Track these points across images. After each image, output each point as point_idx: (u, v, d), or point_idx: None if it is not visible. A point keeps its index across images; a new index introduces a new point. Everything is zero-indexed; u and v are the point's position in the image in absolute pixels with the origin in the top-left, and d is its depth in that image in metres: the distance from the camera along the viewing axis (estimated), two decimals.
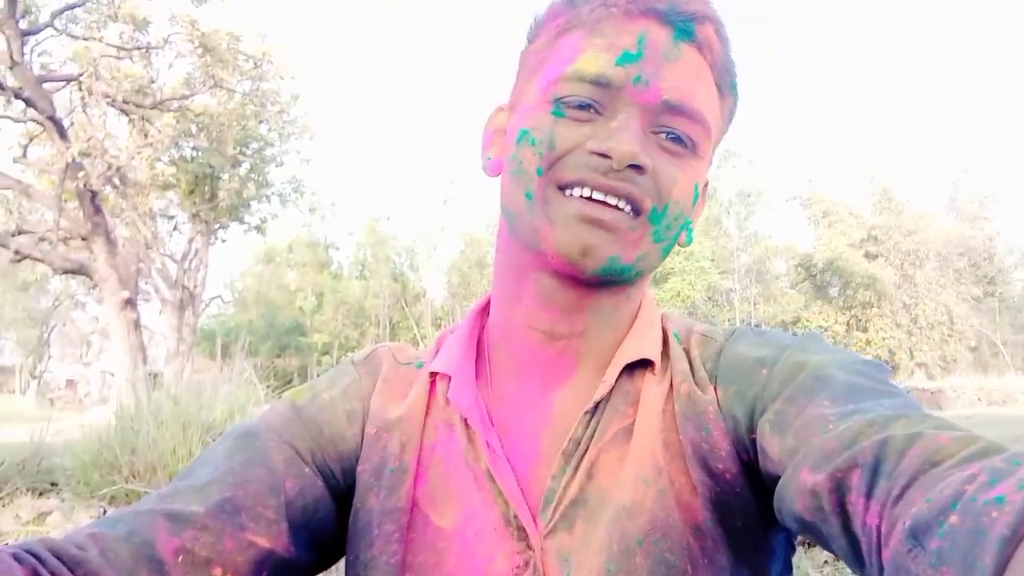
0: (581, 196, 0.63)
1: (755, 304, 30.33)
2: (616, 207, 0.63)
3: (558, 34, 0.68)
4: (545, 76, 0.66)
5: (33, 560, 0.51)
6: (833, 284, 30.25)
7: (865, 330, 29.13)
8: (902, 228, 29.64)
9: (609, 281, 0.66)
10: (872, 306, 29.09)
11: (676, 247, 0.70)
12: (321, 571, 0.72)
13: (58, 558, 0.52)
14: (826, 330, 29.16)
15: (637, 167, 0.62)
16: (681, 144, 0.64)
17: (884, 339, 28.83)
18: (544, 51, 0.69)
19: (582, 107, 0.64)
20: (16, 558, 0.50)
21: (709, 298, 27.17)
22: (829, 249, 28.69)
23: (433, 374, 0.73)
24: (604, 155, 0.62)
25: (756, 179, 32.18)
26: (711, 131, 0.66)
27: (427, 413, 0.72)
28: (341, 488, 0.70)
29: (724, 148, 32.06)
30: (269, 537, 0.62)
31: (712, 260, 27.92)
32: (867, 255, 29.48)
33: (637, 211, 0.63)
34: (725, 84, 0.68)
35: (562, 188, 0.64)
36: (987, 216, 32.05)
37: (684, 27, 0.64)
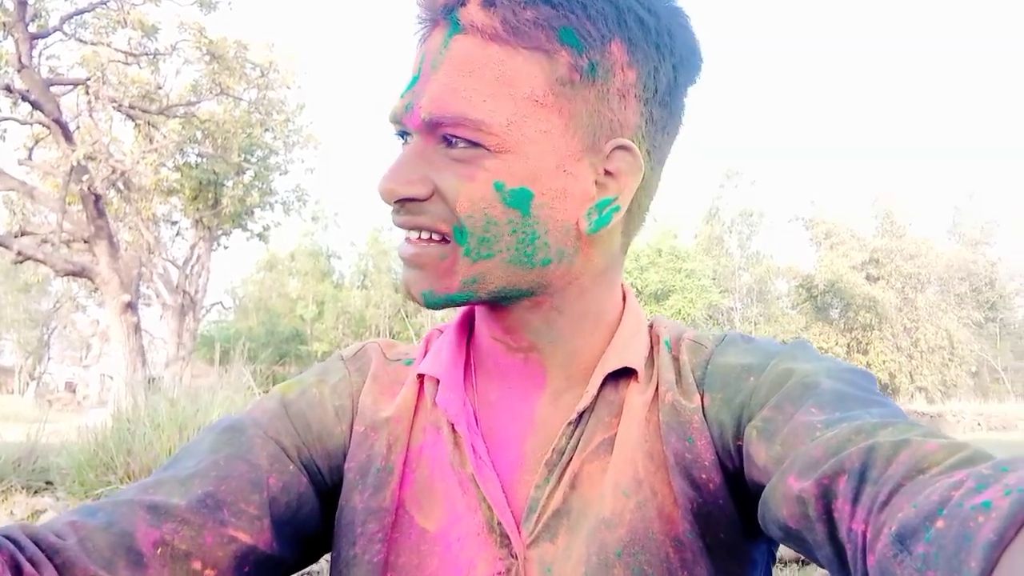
0: (406, 237, 0.64)
1: (756, 324, 30.30)
2: (421, 239, 0.63)
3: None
4: None
5: (11, 546, 0.51)
6: (834, 306, 30.26)
7: (865, 352, 29.10)
8: (904, 252, 29.70)
9: (503, 299, 0.65)
10: (873, 329, 29.08)
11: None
12: (307, 565, 0.72)
13: (36, 544, 0.52)
14: (826, 351, 29.13)
15: (408, 200, 0.62)
16: (465, 148, 0.60)
17: (884, 362, 28.80)
18: None
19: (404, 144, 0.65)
20: None
21: (710, 316, 27.10)
22: (830, 271, 28.72)
23: (422, 375, 0.73)
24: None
25: (759, 199, 32.27)
26: (488, 123, 0.59)
27: (415, 414, 0.71)
28: (327, 485, 0.70)
29: (727, 167, 32.25)
30: (251, 533, 0.62)
31: (713, 279, 27.91)
32: (868, 278, 29.52)
33: (444, 238, 0.62)
34: (540, 42, 0.59)
35: None
36: (989, 242, 32.13)
37: (450, 19, 0.60)
